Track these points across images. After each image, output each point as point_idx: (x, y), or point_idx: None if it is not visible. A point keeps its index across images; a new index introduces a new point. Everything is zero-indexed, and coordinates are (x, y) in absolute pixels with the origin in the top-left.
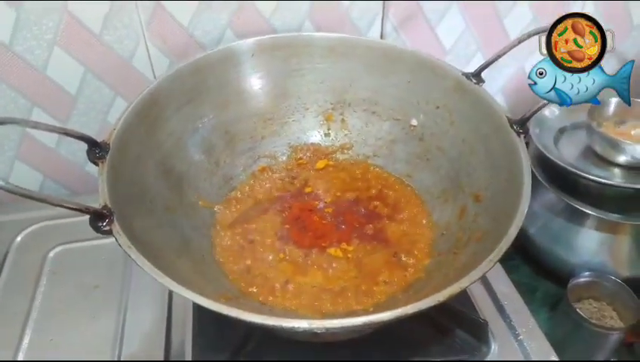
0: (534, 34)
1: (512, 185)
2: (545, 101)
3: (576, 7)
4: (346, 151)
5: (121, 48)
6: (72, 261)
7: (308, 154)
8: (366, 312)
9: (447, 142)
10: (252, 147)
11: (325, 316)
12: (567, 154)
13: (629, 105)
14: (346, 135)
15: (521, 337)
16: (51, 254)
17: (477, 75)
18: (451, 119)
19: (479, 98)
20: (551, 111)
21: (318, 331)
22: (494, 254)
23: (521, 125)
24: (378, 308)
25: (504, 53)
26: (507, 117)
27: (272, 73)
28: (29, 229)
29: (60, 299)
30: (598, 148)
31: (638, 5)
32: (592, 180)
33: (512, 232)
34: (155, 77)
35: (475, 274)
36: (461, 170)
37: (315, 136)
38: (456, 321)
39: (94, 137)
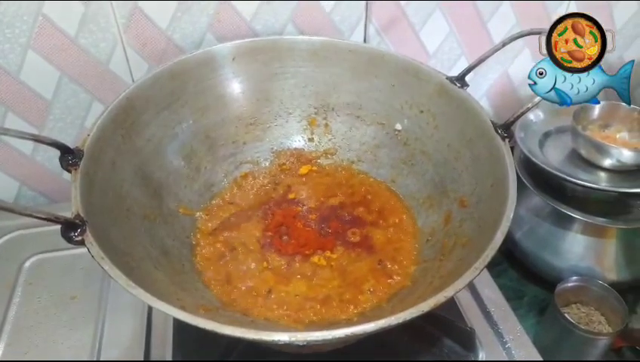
0: (517, 37)
1: (497, 191)
2: (528, 105)
3: (559, 11)
4: (329, 156)
5: (97, 52)
6: (48, 271)
7: (291, 159)
8: (350, 322)
9: (431, 146)
10: (234, 153)
11: (308, 326)
12: (553, 158)
13: (629, 105)
14: (329, 140)
15: (508, 345)
16: (27, 264)
17: (461, 79)
18: (435, 123)
19: (463, 102)
20: (536, 115)
21: (300, 344)
22: (480, 262)
23: (506, 129)
24: (363, 317)
25: (488, 57)
26: (491, 121)
27: (254, 77)
28: (4, 238)
29: (36, 310)
30: (583, 152)
31: (620, 10)
32: (578, 184)
33: (498, 239)
34: (133, 81)
35: (460, 282)
36: (446, 176)
37: (299, 141)
38: (443, 329)
39: (71, 143)
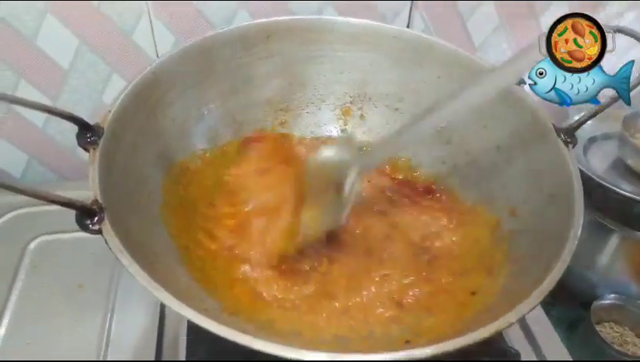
0: None
1: (558, 203)
2: (597, 107)
3: (612, 8)
4: (363, 150)
5: (121, 21)
6: (55, 254)
7: None
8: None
9: (478, 147)
10: None
11: (340, 339)
12: (596, 165)
13: (629, 105)
14: (364, 132)
15: None
16: (32, 245)
17: None
18: (484, 123)
19: (519, 101)
20: None
21: None
22: (546, 284)
23: (570, 134)
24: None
25: None
26: (553, 124)
27: (288, 59)
28: (8, 216)
29: (40, 297)
30: (630, 161)
31: None
32: (622, 195)
33: (565, 258)
34: (157, 55)
35: (525, 307)
36: (493, 181)
37: (331, 132)
38: (484, 350)
39: (87, 118)
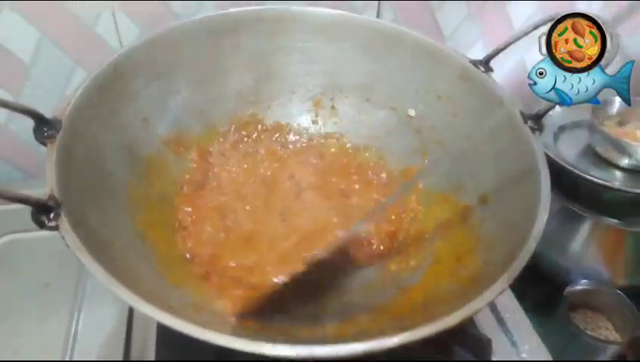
0: (549, 20)
1: (526, 189)
2: None
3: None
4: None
5: (83, 12)
6: (20, 253)
7: None
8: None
9: (448, 136)
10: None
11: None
12: (567, 153)
13: (629, 105)
14: (335, 123)
15: (524, 355)
16: None
17: (486, 63)
18: (454, 111)
19: (487, 89)
20: None
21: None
22: (512, 271)
23: (536, 120)
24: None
25: (517, 39)
26: (520, 111)
27: (256, 50)
28: None
29: (5, 297)
30: (599, 149)
31: None
32: (592, 181)
33: (530, 245)
34: (122, 47)
35: (490, 294)
36: (464, 169)
37: (302, 124)
38: (456, 337)
39: (50, 114)
